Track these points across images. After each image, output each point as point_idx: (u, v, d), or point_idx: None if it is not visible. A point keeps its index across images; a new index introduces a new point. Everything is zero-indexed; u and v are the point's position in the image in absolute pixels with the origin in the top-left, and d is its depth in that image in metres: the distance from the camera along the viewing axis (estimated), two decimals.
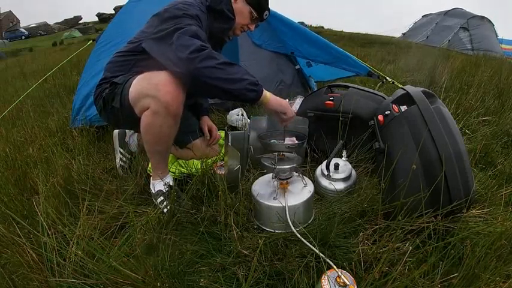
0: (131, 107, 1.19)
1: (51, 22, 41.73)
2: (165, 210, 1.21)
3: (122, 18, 2.33)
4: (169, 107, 1.11)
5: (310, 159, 1.46)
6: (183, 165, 1.48)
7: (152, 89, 1.11)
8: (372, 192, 1.24)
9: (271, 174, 1.24)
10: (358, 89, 1.66)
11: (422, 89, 1.26)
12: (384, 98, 1.56)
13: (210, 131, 1.71)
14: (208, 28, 1.37)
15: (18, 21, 46.97)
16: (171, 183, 1.28)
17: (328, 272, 0.82)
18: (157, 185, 1.28)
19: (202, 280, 0.87)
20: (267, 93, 1.22)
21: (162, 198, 1.25)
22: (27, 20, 67.05)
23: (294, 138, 1.57)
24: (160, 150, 1.26)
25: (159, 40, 1.17)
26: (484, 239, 0.96)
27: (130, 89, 1.19)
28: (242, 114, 2.10)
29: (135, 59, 1.35)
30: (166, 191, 1.25)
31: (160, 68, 1.15)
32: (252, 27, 1.52)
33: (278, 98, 1.28)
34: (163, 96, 1.09)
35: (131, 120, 1.21)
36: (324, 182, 1.29)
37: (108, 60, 1.42)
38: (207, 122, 1.74)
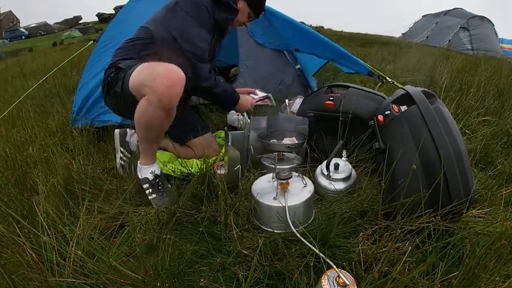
0: (131, 94, 1.21)
1: (51, 22, 41.73)
2: (150, 197, 1.29)
3: (122, 18, 2.33)
4: (161, 99, 1.12)
5: (310, 159, 1.46)
6: (183, 165, 1.48)
7: (151, 79, 1.13)
8: (372, 192, 1.24)
9: (271, 174, 1.24)
10: (358, 89, 1.66)
11: (422, 89, 1.26)
12: (384, 98, 1.56)
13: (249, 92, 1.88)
14: (214, 19, 1.53)
15: (18, 21, 46.95)
16: (157, 173, 1.32)
17: (328, 272, 0.82)
18: (143, 171, 1.32)
19: (202, 280, 0.87)
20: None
21: (147, 185, 1.30)
22: (27, 20, 66.91)
23: (294, 138, 1.58)
24: (150, 138, 1.30)
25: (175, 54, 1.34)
26: (484, 239, 0.96)
27: (132, 76, 1.21)
28: (242, 114, 2.10)
29: (143, 43, 1.44)
30: (152, 179, 1.30)
31: (168, 53, 1.24)
32: (248, 23, 1.73)
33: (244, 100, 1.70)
34: (158, 87, 1.11)
35: (130, 106, 1.22)
36: (324, 182, 1.29)
37: (118, 46, 1.50)
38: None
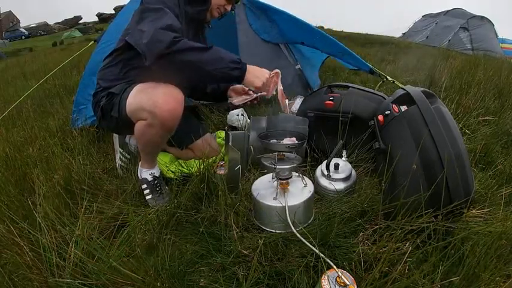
0: (128, 117, 1.24)
1: (51, 22, 41.83)
2: (147, 198, 1.31)
3: (122, 18, 2.32)
4: (165, 124, 1.17)
5: (310, 159, 1.46)
6: (183, 165, 1.48)
7: (151, 105, 1.15)
8: (372, 192, 1.23)
9: (271, 174, 1.24)
10: (358, 89, 1.66)
11: (422, 89, 1.26)
12: (384, 98, 1.56)
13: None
14: (184, 12, 1.36)
15: (18, 21, 46.96)
16: (156, 175, 1.36)
17: (328, 272, 0.82)
18: (143, 173, 1.36)
19: (202, 280, 0.87)
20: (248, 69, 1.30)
21: (145, 185, 1.34)
22: (27, 20, 67.17)
23: (294, 138, 1.58)
24: (150, 151, 1.35)
25: (140, 32, 1.15)
26: (484, 239, 0.96)
27: (129, 100, 1.22)
28: (242, 114, 2.10)
29: (123, 59, 1.38)
30: (151, 181, 1.34)
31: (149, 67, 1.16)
32: (229, 7, 1.49)
33: (256, 71, 1.37)
34: (160, 114, 1.14)
35: (130, 127, 1.26)
36: (324, 182, 1.29)
37: (100, 66, 1.46)
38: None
